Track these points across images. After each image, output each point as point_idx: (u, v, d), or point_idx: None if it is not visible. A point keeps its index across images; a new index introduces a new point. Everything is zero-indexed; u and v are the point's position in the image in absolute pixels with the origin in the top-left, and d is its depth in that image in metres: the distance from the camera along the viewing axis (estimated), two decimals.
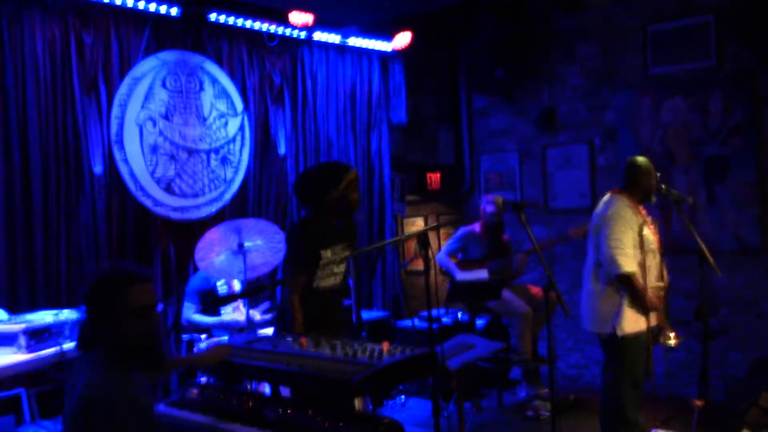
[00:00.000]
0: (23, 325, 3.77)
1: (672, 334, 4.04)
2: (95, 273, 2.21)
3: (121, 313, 2.10)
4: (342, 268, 3.65)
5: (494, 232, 5.62)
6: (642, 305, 3.82)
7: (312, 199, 3.55)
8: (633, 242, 3.81)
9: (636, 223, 3.86)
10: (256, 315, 4.87)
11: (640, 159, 4.06)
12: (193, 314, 4.75)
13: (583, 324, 4.08)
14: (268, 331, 4.60)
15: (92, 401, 2.00)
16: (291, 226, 5.73)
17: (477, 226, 5.68)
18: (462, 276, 5.46)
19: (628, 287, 3.79)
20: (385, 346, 2.61)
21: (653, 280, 3.90)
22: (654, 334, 3.98)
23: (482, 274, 5.40)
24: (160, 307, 2.33)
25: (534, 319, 5.40)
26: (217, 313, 4.80)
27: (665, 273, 4.03)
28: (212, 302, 4.71)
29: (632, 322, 3.83)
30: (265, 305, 5.10)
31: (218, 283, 4.87)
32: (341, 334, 3.64)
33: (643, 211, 4.05)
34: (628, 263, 3.75)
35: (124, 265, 2.23)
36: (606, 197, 4.06)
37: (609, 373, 3.96)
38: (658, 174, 4.09)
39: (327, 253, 3.51)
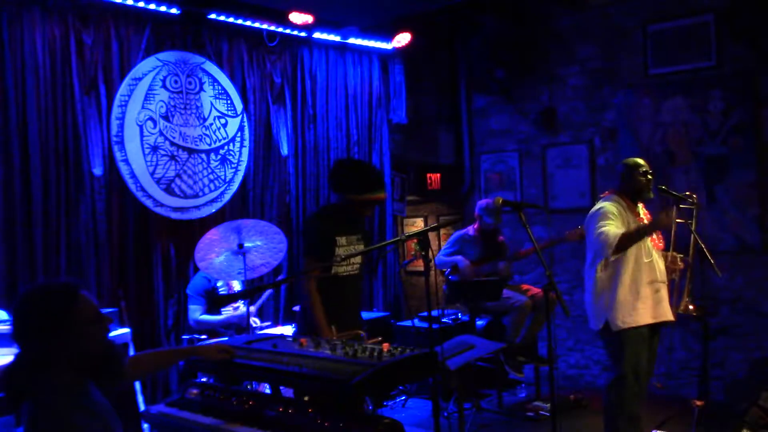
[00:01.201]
0: None
1: (679, 257, 4.10)
2: (30, 301, 2.09)
3: (78, 326, 1.99)
4: (357, 257, 3.77)
5: (490, 235, 5.62)
6: (656, 227, 3.83)
7: (338, 188, 3.72)
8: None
9: (622, 218, 3.88)
10: (257, 321, 4.88)
11: (630, 159, 4.12)
12: (200, 315, 4.74)
13: (589, 323, 4.10)
14: (287, 330, 4.61)
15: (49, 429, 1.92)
16: (310, 213, 5.80)
17: (471, 229, 5.67)
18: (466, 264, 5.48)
19: (631, 238, 3.76)
20: (385, 346, 2.61)
21: (645, 279, 3.88)
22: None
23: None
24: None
25: (534, 319, 5.39)
26: (220, 313, 4.80)
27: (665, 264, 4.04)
28: (214, 302, 4.72)
29: (627, 315, 3.84)
30: (268, 316, 5.08)
31: (218, 284, 4.86)
32: (360, 320, 3.78)
33: (644, 211, 4.05)
34: (613, 231, 3.75)
35: (57, 281, 2.10)
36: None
37: (611, 371, 4.01)
38: (650, 171, 4.07)
39: (342, 240, 3.66)
